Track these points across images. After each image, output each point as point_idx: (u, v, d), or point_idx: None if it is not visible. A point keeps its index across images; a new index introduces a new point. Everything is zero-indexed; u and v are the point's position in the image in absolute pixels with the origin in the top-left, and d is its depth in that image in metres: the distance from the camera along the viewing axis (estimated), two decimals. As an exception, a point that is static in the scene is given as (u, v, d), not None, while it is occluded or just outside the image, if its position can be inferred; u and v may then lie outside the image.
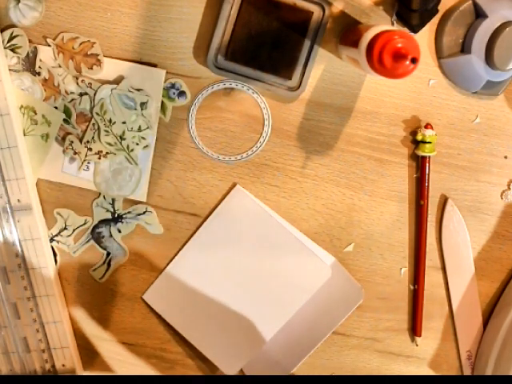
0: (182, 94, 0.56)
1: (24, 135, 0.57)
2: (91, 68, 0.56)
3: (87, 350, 0.61)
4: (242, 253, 0.58)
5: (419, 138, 0.56)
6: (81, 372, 0.60)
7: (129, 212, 0.59)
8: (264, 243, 0.58)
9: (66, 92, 0.56)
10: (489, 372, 0.58)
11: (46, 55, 0.56)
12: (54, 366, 0.59)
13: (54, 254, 0.59)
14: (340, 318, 0.60)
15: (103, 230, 0.59)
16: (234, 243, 0.58)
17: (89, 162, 0.57)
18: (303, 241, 0.58)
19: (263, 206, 0.58)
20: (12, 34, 0.55)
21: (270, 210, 0.58)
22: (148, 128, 0.56)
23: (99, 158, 0.57)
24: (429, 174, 0.57)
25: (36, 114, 0.56)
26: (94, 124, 0.57)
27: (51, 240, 0.59)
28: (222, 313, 0.59)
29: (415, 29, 0.53)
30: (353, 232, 0.59)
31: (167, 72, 0.55)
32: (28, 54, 0.55)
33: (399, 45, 0.43)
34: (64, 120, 0.57)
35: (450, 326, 0.61)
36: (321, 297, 0.59)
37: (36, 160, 0.57)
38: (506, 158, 0.58)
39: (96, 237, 0.59)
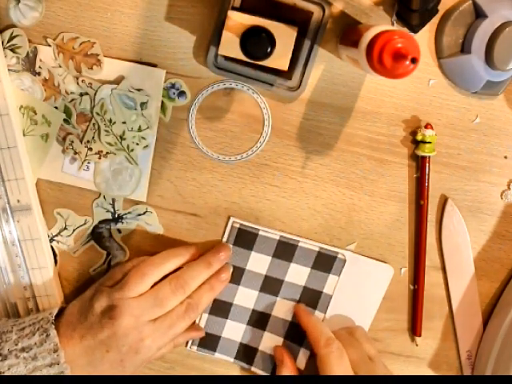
0: (182, 93, 0.56)
1: (24, 135, 0.57)
2: (91, 68, 0.56)
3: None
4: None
5: (419, 138, 0.56)
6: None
7: (129, 212, 0.59)
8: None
9: (66, 92, 0.56)
10: (489, 372, 0.58)
11: (46, 55, 0.56)
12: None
13: (54, 254, 0.59)
14: (378, 299, 0.60)
15: (103, 230, 0.59)
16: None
17: (89, 162, 0.57)
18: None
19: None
20: (12, 33, 0.55)
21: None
22: (148, 128, 0.56)
23: (99, 158, 0.57)
24: (429, 174, 0.57)
25: (36, 114, 0.56)
26: (94, 124, 0.57)
27: (51, 240, 0.59)
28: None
29: (415, 29, 0.53)
30: (353, 232, 0.59)
31: (167, 72, 0.55)
32: (28, 54, 0.55)
33: (399, 45, 0.43)
34: (64, 120, 0.57)
35: (450, 325, 0.61)
36: (352, 291, 0.60)
37: (36, 160, 0.57)
38: (505, 158, 0.58)
39: (96, 237, 0.59)
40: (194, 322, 0.60)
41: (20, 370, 0.50)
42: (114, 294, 0.53)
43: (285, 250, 0.59)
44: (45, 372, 0.50)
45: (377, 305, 0.60)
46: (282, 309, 0.59)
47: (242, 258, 0.59)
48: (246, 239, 0.58)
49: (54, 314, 0.53)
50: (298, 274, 0.59)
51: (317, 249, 0.58)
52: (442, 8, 0.54)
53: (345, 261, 0.59)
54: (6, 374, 0.49)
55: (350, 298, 0.60)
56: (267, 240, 0.58)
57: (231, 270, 0.58)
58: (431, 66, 0.56)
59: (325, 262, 0.59)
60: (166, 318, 0.53)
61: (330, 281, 0.59)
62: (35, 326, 0.52)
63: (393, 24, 0.54)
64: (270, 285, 0.59)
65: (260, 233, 0.58)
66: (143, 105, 0.56)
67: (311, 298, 0.59)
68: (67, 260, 0.60)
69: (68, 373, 0.50)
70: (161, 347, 0.54)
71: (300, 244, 0.58)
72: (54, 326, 0.51)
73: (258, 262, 0.59)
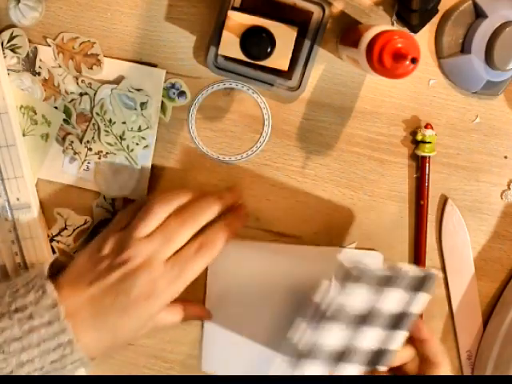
0: (182, 93, 0.56)
1: (24, 135, 0.57)
2: (91, 68, 0.56)
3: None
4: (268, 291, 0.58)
5: (419, 138, 0.56)
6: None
7: (129, 212, 0.59)
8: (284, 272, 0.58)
9: (66, 92, 0.56)
10: (489, 372, 0.58)
11: (46, 55, 0.56)
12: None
13: (54, 254, 0.59)
14: None
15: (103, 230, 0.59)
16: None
17: (89, 162, 0.57)
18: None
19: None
20: (12, 34, 0.55)
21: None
22: (148, 128, 0.56)
23: (99, 158, 0.57)
24: (429, 174, 0.57)
25: (36, 114, 0.56)
26: (94, 124, 0.57)
27: (51, 240, 0.59)
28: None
29: (415, 29, 0.53)
30: (353, 232, 0.59)
31: (167, 72, 0.55)
32: (28, 54, 0.56)
33: (399, 45, 0.43)
34: (64, 120, 0.57)
35: (450, 326, 0.61)
36: None
37: (36, 160, 0.57)
38: (506, 157, 0.58)
39: (96, 237, 0.59)
40: (204, 308, 0.58)
41: (15, 332, 0.47)
42: (122, 236, 0.51)
43: (388, 279, 0.49)
44: (43, 332, 0.47)
45: None
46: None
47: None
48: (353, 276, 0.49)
49: (47, 268, 0.50)
50: (390, 300, 0.50)
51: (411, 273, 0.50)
52: (442, 8, 0.54)
53: (436, 275, 0.51)
54: None
55: None
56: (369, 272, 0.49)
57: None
58: (431, 66, 0.56)
59: (417, 284, 0.50)
60: (178, 257, 0.50)
61: (419, 300, 0.51)
62: (29, 285, 0.49)
63: (393, 24, 0.54)
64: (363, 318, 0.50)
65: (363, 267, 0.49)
66: (143, 105, 0.56)
67: (395, 320, 0.51)
68: (67, 260, 0.60)
69: (69, 331, 0.47)
70: (173, 295, 0.50)
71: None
72: (49, 281, 0.49)
73: (359, 298, 0.49)
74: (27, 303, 0.48)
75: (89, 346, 0.49)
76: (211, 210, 0.53)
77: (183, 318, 0.56)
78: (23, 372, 0.47)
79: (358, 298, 0.48)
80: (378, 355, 0.52)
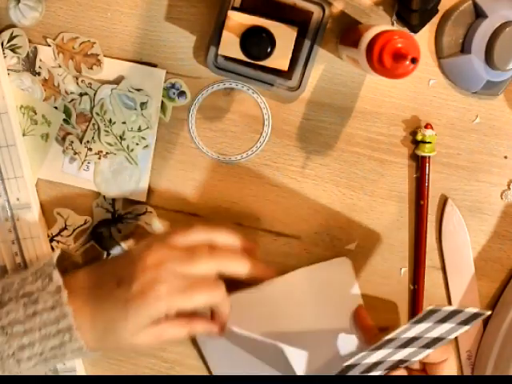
0: (182, 93, 0.56)
1: (24, 135, 0.57)
2: (91, 68, 0.56)
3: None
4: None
5: (419, 138, 0.56)
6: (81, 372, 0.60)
7: (129, 212, 0.59)
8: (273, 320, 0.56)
9: (65, 92, 0.56)
10: (489, 372, 0.58)
11: (46, 55, 0.56)
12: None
13: (59, 249, 0.59)
14: (356, 292, 0.58)
15: (103, 230, 0.59)
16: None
17: (89, 162, 0.57)
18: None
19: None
20: (12, 34, 0.55)
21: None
22: (148, 128, 0.56)
23: (99, 158, 0.57)
24: (429, 174, 0.57)
25: (36, 113, 0.57)
26: (94, 124, 0.57)
27: (51, 240, 0.59)
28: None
29: (415, 29, 0.53)
30: (353, 232, 0.59)
31: (167, 72, 0.56)
32: (28, 54, 0.56)
33: (399, 45, 0.43)
34: (64, 120, 0.57)
35: (450, 326, 0.61)
36: (329, 301, 0.58)
37: (36, 160, 0.57)
38: (506, 157, 0.58)
39: (96, 237, 0.59)
40: (214, 323, 0.55)
41: (19, 315, 0.48)
42: (154, 238, 0.52)
43: (448, 316, 0.49)
44: (45, 316, 0.48)
45: (358, 299, 0.59)
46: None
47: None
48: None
49: (55, 257, 0.52)
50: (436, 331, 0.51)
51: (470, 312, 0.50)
52: (442, 8, 0.54)
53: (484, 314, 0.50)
54: (3, 320, 0.48)
55: (332, 307, 0.58)
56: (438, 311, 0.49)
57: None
58: (431, 66, 0.56)
59: (467, 319, 0.50)
60: (192, 278, 0.50)
61: (460, 330, 0.51)
62: (37, 273, 0.50)
63: (393, 24, 0.54)
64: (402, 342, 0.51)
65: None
66: (143, 105, 0.56)
67: (431, 342, 0.52)
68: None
69: (70, 317, 0.48)
70: (170, 307, 0.49)
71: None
72: (56, 270, 0.50)
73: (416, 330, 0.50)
74: (34, 289, 0.49)
75: (86, 335, 0.49)
76: (243, 270, 0.52)
77: (189, 332, 0.53)
78: (24, 356, 0.48)
79: (414, 330, 0.49)
80: (399, 363, 0.53)
